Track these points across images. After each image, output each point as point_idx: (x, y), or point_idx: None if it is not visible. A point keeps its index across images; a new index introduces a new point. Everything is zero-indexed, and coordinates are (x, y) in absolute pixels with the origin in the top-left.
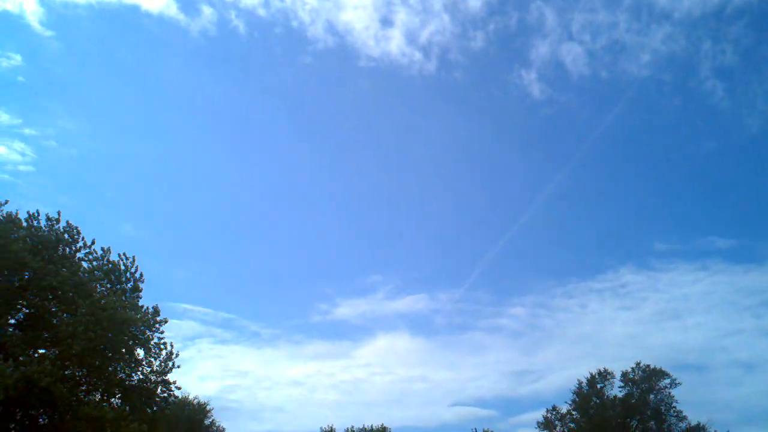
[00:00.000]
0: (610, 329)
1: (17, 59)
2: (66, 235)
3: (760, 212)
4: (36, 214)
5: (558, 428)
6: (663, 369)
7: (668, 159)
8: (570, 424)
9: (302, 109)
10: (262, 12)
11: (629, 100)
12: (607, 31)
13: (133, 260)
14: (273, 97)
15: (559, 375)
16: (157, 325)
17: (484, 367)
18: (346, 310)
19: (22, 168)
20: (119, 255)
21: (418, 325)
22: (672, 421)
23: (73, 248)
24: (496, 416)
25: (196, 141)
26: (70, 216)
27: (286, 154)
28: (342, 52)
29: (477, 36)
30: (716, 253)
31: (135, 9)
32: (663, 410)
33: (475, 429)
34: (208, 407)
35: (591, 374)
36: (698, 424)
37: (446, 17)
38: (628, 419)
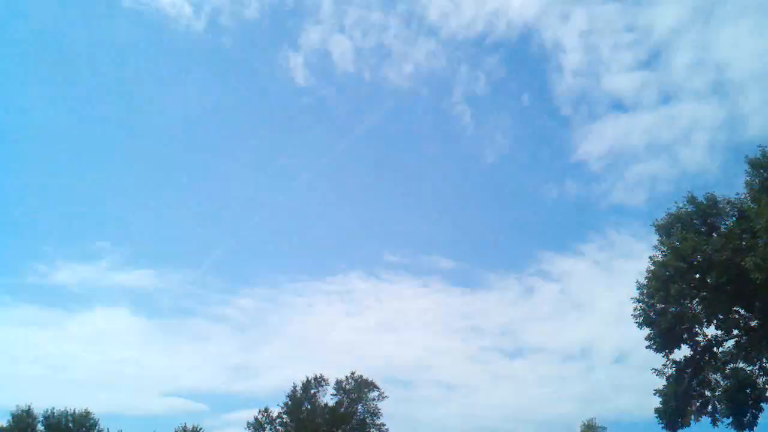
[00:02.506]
0: (332, 333)
1: None
2: None
3: (482, 241)
4: None
5: (267, 431)
6: (373, 381)
7: (412, 174)
8: (279, 427)
9: (49, 38)
10: None
11: (386, 108)
12: (378, 33)
13: None
14: (18, 20)
15: (277, 374)
16: None
17: (203, 357)
18: (66, 275)
19: None
20: None
21: (141, 302)
22: None
23: None
24: (207, 411)
25: None
26: None
27: (18, 86)
28: None
29: (251, 4)
30: (439, 273)
31: None
32: (368, 422)
33: (185, 424)
34: None
35: (307, 378)
36: None
37: None
38: (335, 428)
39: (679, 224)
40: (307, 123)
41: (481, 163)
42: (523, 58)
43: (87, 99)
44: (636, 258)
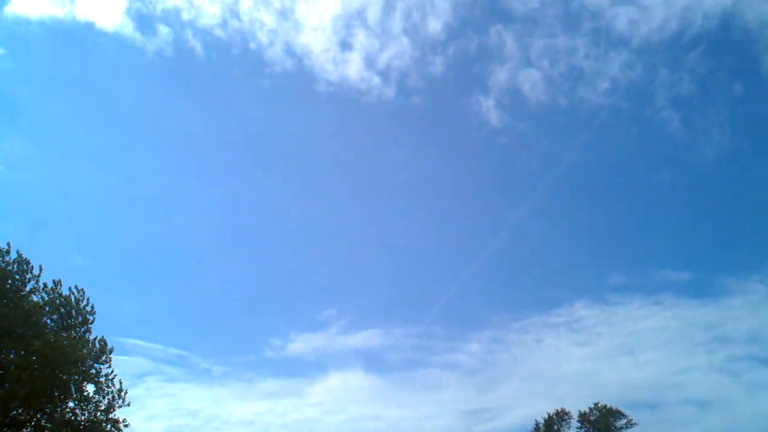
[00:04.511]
0: (565, 365)
1: None
2: (15, 267)
3: (714, 246)
4: None
5: None
6: (619, 409)
7: (624, 190)
8: None
9: (260, 134)
10: (219, 32)
11: (588, 129)
12: (566, 57)
13: (83, 293)
14: (231, 121)
15: (515, 413)
16: (105, 357)
17: (438, 405)
18: (300, 345)
19: None
20: (70, 289)
21: (372, 361)
22: None
23: (23, 280)
24: None
25: (150, 166)
26: (16, 245)
27: (242, 181)
28: (300, 75)
29: (436, 60)
30: (670, 287)
31: (89, 27)
32: None
33: None
34: None
35: (549, 414)
36: None
37: (405, 41)
38: None
39: None
40: (508, 161)
41: (701, 164)
42: (727, 47)
43: (297, 182)
44: None
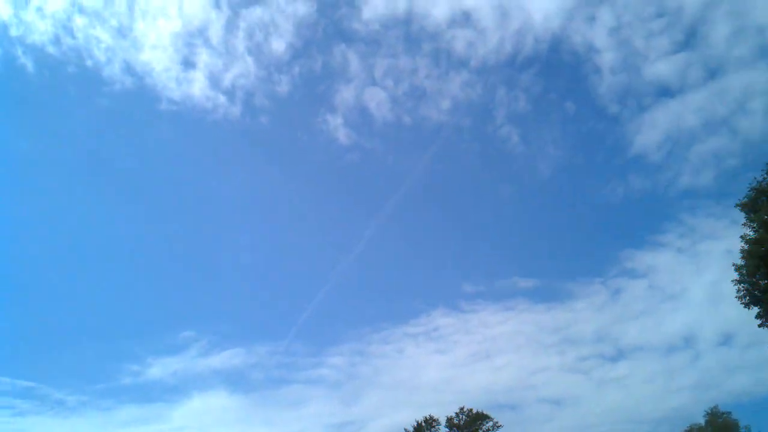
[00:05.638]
0: (426, 373)
1: None
2: None
3: (558, 253)
4: None
5: None
6: (485, 412)
7: (471, 203)
8: None
9: (98, 155)
10: (52, 50)
11: (433, 146)
12: (409, 77)
13: None
14: (66, 141)
15: (380, 423)
16: None
17: (304, 421)
18: (158, 370)
19: None
20: None
21: (235, 381)
22: None
23: None
24: None
25: None
26: None
27: (80, 204)
28: (141, 94)
29: (282, 80)
30: (520, 294)
31: None
32: None
33: None
34: None
35: (417, 422)
36: None
37: (250, 60)
38: None
39: (765, 198)
40: (359, 178)
41: (539, 178)
42: (558, 68)
43: (141, 203)
44: (719, 237)
